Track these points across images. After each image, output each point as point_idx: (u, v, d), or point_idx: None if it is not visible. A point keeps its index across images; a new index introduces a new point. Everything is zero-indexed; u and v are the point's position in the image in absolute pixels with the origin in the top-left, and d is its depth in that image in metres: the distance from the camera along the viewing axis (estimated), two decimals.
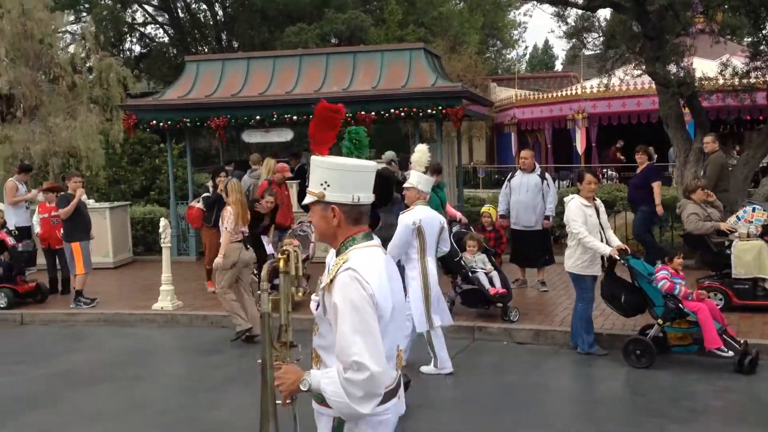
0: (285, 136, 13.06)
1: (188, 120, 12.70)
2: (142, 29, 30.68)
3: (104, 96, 16.53)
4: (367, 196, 2.65)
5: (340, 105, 2.82)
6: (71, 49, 19.79)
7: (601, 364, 6.92)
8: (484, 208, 10.62)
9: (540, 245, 9.74)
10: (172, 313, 9.31)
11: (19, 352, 8.19)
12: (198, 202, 10.46)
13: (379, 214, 3.76)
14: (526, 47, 62.53)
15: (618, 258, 6.82)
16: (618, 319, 7.68)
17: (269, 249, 9.22)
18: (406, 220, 6.45)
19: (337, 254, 2.63)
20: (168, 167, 14.25)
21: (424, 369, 6.73)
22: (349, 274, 2.49)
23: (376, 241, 2.70)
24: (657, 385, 6.31)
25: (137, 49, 30.40)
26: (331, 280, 2.53)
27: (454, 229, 9.02)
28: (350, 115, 12.21)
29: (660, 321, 6.68)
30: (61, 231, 10.05)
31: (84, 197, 10.30)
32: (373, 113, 12.07)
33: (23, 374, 7.21)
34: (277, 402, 2.71)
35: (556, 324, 8.05)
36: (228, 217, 8.07)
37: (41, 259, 10.89)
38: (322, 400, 2.57)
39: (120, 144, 17.05)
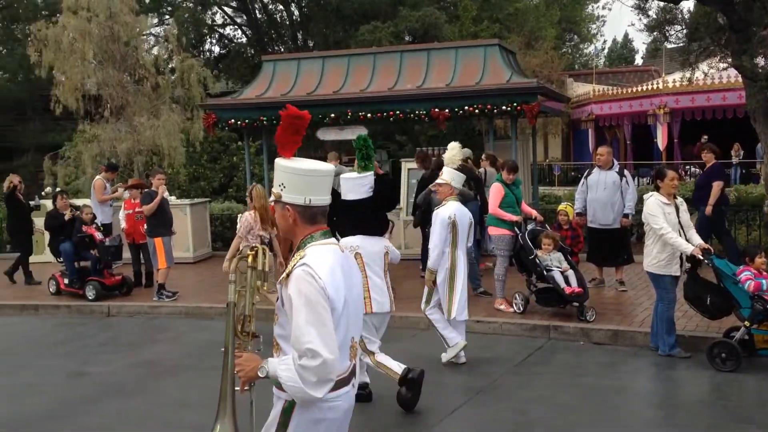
0: (359, 133, 13.13)
1: (265, 118, 12.96)
2: (221, 30, 31.47)
3: (185, 96, 17.03)
4: (320, 199, 2.85)
5: (305, 112, 2.96)
6: (155, 50, 20.48)
7: (682, 367, 6.70)
8: (561, 206, 10.44)
9: (618, 244, 9.51)
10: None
11: (107, 342, 8.55)
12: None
13: (388, 218, 3.98)
14: (605, 41, 61.11)
15: (702, 258, 6.58)
16: (701, 320, 7.42)
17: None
18: (442, 214, 6.67)
19: (297, 251, 2.83)
20: (245, 165, 14.61)
21: (442, 357, 6.91)
22: (303, 269, 2.68)
23: (333, 239, 2.89)
24: (743, 390, 6.07)
25: (216, 49, 31.21)
26: (288, 275, 2.72)
27: (530, 227, 8.90)
28: (424, 112, 12.23)
29: (747, 323, 6.43)
30: (145, 226, 10.43)
31: (166, 194, 10.65)
32: (447, 110, 12.03)
33: (111, 363, 7.52)
34: (236, 388, 2.90)
35: (635, 325, 7.84)
36: (243, 223, 8.20)
37: (127, 254, 11.33)
38: (279, 385, 2.74)
39: (200, 142, 17.58)
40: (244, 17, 30.51)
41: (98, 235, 10.70)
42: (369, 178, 5.73)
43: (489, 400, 6.07)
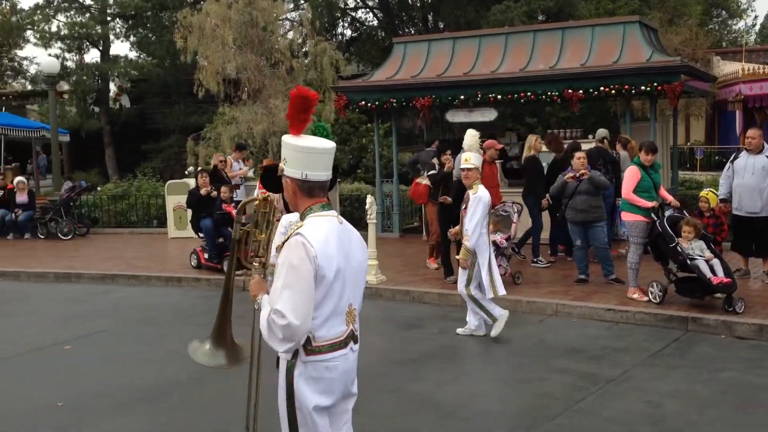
0: (489, 115, 12.97)
1: (395, 100, 13.04)
2: (353, 14, 31.91)
3: (318, 78, 17.44)
4: (316, 174, 3.06)
5: (314, 93, 3.15)
6: (290, 35, 21.08)
7: None
8: (703, 193, 9.85)
9: (766, 233, 8.85)
10: (375, 287, 9.66)
11: (243, 314, 8.89)
12: (424, 178, 10.77)
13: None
14: (756, 17, 56.76)
15: None
16: None
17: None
18: (484, 198, 7.18)
19: (300, 221, 3.08)
20: (374, 146, 14.79)
21: (492, 333, 7.29)
22: (297, 238, 2.92)
23: (332, 211, 3.10)
24: None
25: (348, 33, 31.70)
26: (284, 243, 2.99)
27: (667, 213, 8.45)
28: (557, 93, 11.86)
29: None
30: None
31: None
32: (581, 91, 11.61)
33: (245, 336, 7.79)
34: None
35: None
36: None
37: None
38: None
39: (331, 124, 17.96)
40: (376, 0, 30.78)
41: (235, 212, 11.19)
42: None
43: (620, 391, 5.84)
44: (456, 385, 6.17)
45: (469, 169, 7.33)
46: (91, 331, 8.16)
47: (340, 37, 30.64)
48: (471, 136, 7.86)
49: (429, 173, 10.68)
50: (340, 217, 3.15)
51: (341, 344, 3.04)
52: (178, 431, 5.33)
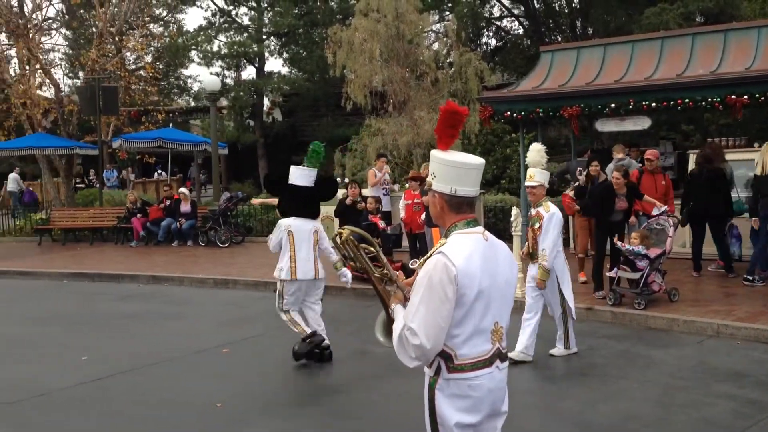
0: (641, 124, 12.40)
1: (541, 110, 12.76)
2: (498, 23, 31.67)
3: (462, 89, 17.42)
4: (466, 190, 3.03)
5: (464, 108, 3.18)
6: (434, 46, 21.26)
7: None
8: None
9: None
10: (521, 301, 9.45)
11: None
12: (571, 190, 10.56)
13: (320, 208, 4.81)
14: None
15: None
16: None
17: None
18: (558, 215, 6.98)
19: (444, 237, 3.05)
20: (519, 157, 14.55)
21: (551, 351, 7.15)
22: (439, 257, 2.89)
23: (478, 228, 3.04)
24: None
25: (493, 42, 31.47)
26: (425, 259, 2.98)
27: None
28: (718, 99, 11.13)
29: None
30: (422, 217, 10.89)
31: None
32: (745, 97, 10.83)
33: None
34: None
35: None
36: None
37: (405, 242, 11.93)
38: None
39: (475, 135, 17.89)
40: (522, 8, 30.37)
41: (381, 224, 11.42)
42: (314, 173, 7.46)
43: None
44: (607, 405, 5.93)
45: (533, 187, 7.06)
46: (248, 336, 8.59)
47: (484, 46, 30.49)
48: (535, 152, 7.30)
49: (575, 185, 10.41)
50: (486, 233, 3.10)
51: (486, 363, 2.99)
52: None
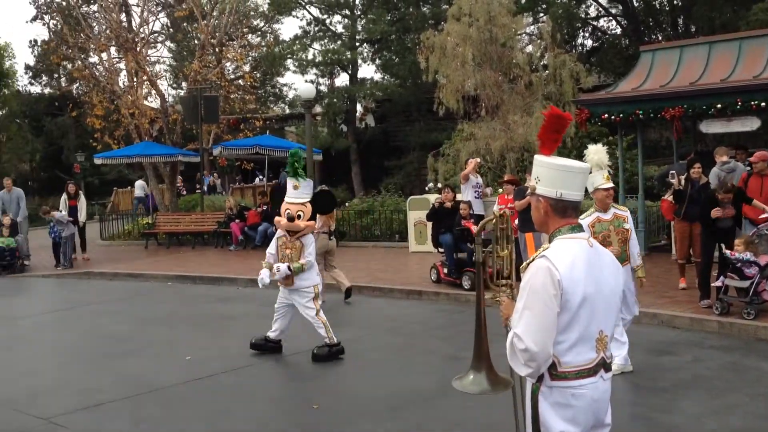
0: (750, 125, 11.82)
1: (641, 111, 12.37)
2: (594, 23, 30.93)
3: (557, 92, 17.14)
4: (571, 194, 3.00)
5: (568, 113, 3.18)
6: (528, 49, 21.00)
7: None
8: None
9: None
10: None
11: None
12: (669, 194, 10.24)
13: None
14: None
15: None
16: None
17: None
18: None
19: (548, 242, 3.02)
20: (618, 160, 14.15)
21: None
22: (542, 261, 2.88)
23: (583, 233, 3.02)
24: None
25: (589, 43, 30.77)
26: (528, 264, 2.96)
27: None
28: None
29: None
30: (516, 221, 10.75)
31: None
32: None
33: None
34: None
35: None
36: (320, 219, 9.67)
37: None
38: None
39: (570, 138, 17.51)
40: (620, 7, 29.53)
41: (474, 229, 11.34)
42: (309, 184, 8.02)
43: None
44: (715, 420, 5.68)
45: (609, 189, 6.79)
46: (344, 339, 8.71)
47: (580, 47, 29.84)
48: (595, 152, 6.89)
49: (674, 189, 10.03)
50: (591, 239, 3.06)
51: (590, 372, 2.94)
52: None
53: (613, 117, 12.84)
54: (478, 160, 14.44)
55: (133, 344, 8.81)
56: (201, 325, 9.92)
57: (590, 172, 6.34)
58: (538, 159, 3.10)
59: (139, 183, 27.30)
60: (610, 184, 6.86)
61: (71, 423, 5.99)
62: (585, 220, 6.82)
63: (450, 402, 6.20)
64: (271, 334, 8.03)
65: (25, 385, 7.17)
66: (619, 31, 30.50)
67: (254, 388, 7.07)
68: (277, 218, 7.97)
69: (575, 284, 2.87)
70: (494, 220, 3.53)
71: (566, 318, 2.88)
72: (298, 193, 7.84)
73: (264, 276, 7.84)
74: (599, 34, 30.99)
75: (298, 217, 7.76)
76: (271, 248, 7.95)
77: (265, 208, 17.68)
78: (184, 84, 26.71)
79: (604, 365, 2.99)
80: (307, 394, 6.64)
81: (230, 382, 7.20)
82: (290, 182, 7.90)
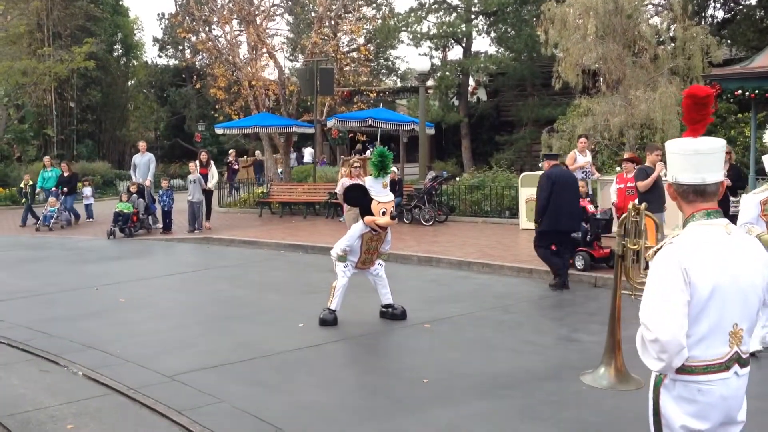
0: None
1: None
2: None
3: (685, 66, 16.23)
4: (687, 176, 2.85)
5: (708, 88, 2.99)
6: (653, 21, 19.94)
7: None
8: None
9: None
10: None
11: (595, 312, 8.73)
12: None
13: None
14: None
15: None
16: None
17: None
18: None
19: (681, 228, 2.91)
20: (749, 138, 13.31)
21: None
22: (669, 247, 2.77)
23: (721, 220, 2.83)
24: None
25: (720, 14, 28.92)
26: (656, 251, 2.85)
27: None
28: None
29: None
30: (635, 202, 10.30)
31: (663, 171, 10.35)
32: None
33: (598, 334, 7.53)
34: None
35: None
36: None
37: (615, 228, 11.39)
38: None
39: None
40: None
41: (590, 208, 10.99)
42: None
43: None
44: None
45: None
46: (451, 314, 8.69)
47: (710, 19, 28.12)
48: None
49: None
50: (730, 226, 2.87)
51: (721, 367, 2.79)
52: (536, 422, 5.39)
53: (747, 93, 12.10)
54: (584, 139, 13.92)
55: (249, 309, 9.14)
56: (312, 293, 10.14)
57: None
58: (666, 144, 3.01)
59: (308, 150, 28.26)
60: None
61: (192, 381, 6.28)
62: (758, 195, 6.61)
63: (563, 385, 6.06)
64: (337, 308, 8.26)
65: (150, 343, 7.58)
66: (754, 1, 28.49)
67: (365, 358, 7.18)
68: (369, 218, 7.98)
69: (704, 274, 2.72)
70: (630, 213, 3.48)
71: (695, 309, 2.73)
72: (388, 191, 8.10)
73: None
74: (732, 4, 29.05)
75: (391, 212, 8.05)
76: (350, 243, 8.10)
77: None
78: (300, 56, 27.23)
79: (739, 360, 2.82)
80: (415, 367, 6.66)
81: (341, 351, 7.34)
82: (378, 181, 8.03)
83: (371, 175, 8.19)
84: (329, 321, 8.10)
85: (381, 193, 8.00)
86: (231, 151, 29.53)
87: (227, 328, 8.21)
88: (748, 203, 6.65)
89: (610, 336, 3.52)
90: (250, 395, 5.93)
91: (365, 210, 8.00)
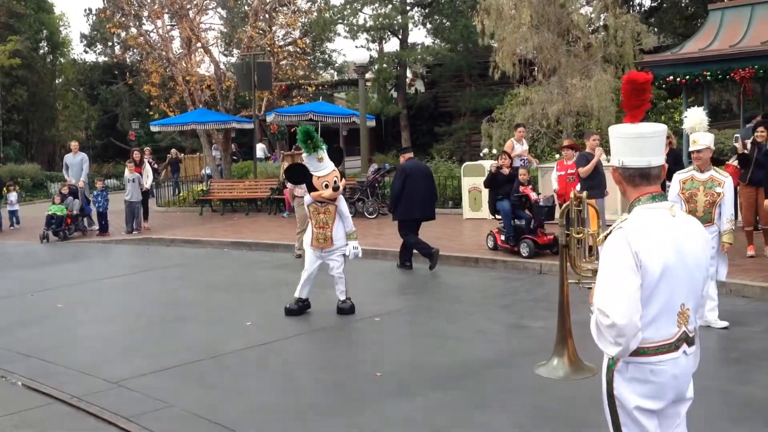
0: None
1: (708, 73, 11.94)
2: None
3: (617, 54, 16.59)
4: (632, 160, 2.86)
5: (645, 74, 3.02)
6: (585, 10, 20.33)
7: None
8: None
9: None
10: None
11: (541, 299, 8.84)
12: (734, 159, 9.89)
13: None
14: None
15: None
16: None
17: None
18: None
19: (627, 213, 2.91)
20: (678, 124, 13.68)
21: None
22: (618, 232, 2.79)
23: (665, 203, 2.87)
24: None
25: (648, 3, 29.75)
26: (605, 237, 2.86)
27: None
28: None
29: None
30: (577, 188, 10.48)
31: (603, 156, 10.56)
32: None
33: (546, 320, 7.62)
34: None
35: None
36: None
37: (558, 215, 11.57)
38: None
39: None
40: None
41: (533, 195, 11.13)
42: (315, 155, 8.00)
43: None
44: None
45: (699, 151, 6.76)
46: (401, 306, 8.68)
47: (638, 8, 28.87)
48: (695, 115, 7.21)
49: (739, 153, 9.66)
50: (674, 208, 2.92)
51: (671, 347, 2.83)
52: (493, 411, 5.42)
53: (678, 79, 12.43)
54: (522, 128, 14.12)
55: (195, 310, 8.93)
56: (259, 291, 10.00)
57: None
58: (609, 129, 3.01)
59: (260, 146, 27.66)
60: (698, 147, 6.80)
61: (139, 386, 6.08)
62: (681, 175, 6.93)
63: (516, 372, 6.10)
64: (303, 296, 8.34)
65: (92, 349, 7.33)
66: None
67: (317, 354, 7.10)
68: (314, 193, 8.03)
69: (653, 256, 2.74)
70: (572, 203, 3.51)
71: (646, 292, 2.76)
72: (326, 164, 8.04)
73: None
74: None
75: (334, 183, 8.01)
76: (303, 225, 8.17)
77: None
78: (235, 51, 26.78)
79: (687, 339, 2.87)
80: (368, 361, 6.62)
81: (292, 348, 7.24)
82: (312, 157, 7.98)
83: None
84: (294, 311, 8.25)
85: (318, 168, 8.00)
86: (146, 149, 28.89)
87: (173, 330, 8.00)
88: (672, 181, 6.96)
89: (560, 327, 3.54)
90: (201, 398, 5.78)
91: (309, 187, 8.13)
